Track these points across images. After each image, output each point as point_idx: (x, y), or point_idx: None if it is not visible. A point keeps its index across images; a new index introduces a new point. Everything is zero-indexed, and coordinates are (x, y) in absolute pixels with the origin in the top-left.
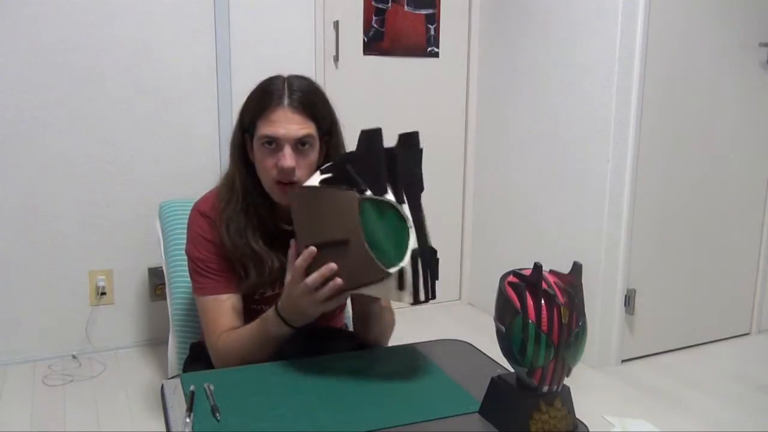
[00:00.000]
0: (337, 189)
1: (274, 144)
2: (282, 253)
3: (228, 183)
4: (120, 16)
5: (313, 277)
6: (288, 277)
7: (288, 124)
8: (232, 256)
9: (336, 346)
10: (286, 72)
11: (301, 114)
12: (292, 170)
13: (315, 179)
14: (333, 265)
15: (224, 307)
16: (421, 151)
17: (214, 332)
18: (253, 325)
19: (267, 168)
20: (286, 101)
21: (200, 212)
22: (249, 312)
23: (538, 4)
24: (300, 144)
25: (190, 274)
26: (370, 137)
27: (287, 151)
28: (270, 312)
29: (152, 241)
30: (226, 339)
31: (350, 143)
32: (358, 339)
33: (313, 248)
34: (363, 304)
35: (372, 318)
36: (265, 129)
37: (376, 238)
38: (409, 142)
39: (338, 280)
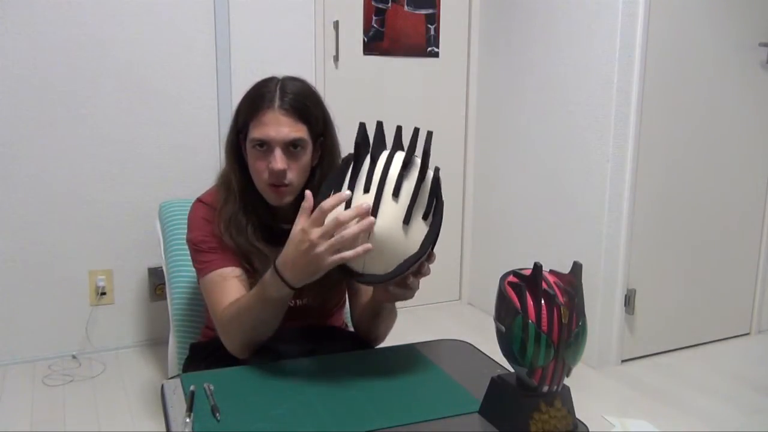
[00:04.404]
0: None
1: (265, 146)
2: None
3: (225, 183)
4: (120, 16)
5: (348, 213)
6: (297, 227)
7: (279, 126)
8: (237, 253)
9: (336, 345)
10: (285, 72)
11: (292, 116)
12: (283, 173)
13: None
14: (369, 203)
15: (229, 282)
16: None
17: (219, 307)
18: (252, 293)
19: (259, 170)
20: (277, 103)
21: (202, 201)
22: None
23: (538, 4)
24: (291, 146)
25: (192, 259)
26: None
27: (278, 153)
28: (267, 274)
29: (152, 241)
30: (228, 311)
31: (347, 144)
32: (359, 334)
33: (347, 192)
34: (379, 301)
35: (384, 315)
36: (255, 132)
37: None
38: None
39: (368, 245)
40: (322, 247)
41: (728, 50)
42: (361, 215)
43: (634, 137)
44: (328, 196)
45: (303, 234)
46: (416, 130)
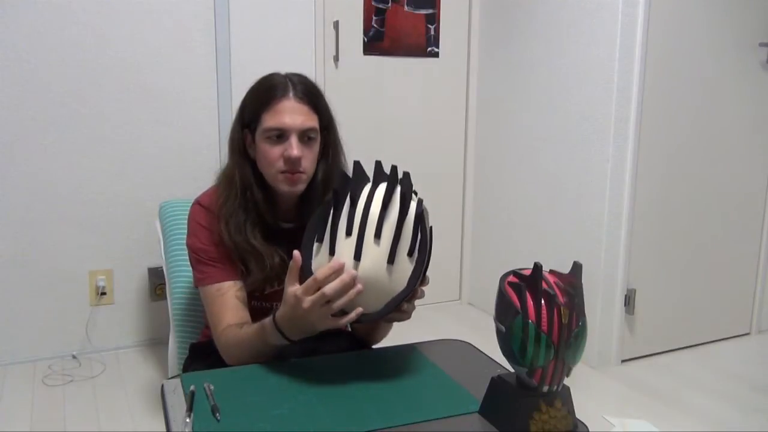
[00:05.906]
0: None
1: (280, 135)
2: (282, 249)
3: (227, 179)
4: (120, 16)
5: (333, 286)
6: (290, 289)
7: (294, 114)
8: (233, 252)
9: (335, 345)
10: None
11: (306, 105)
12: (299, 160)
13: None
14: (354, 272)
15: (228, 297)
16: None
17: (219, 324)
18: (253, 330)
19: (272, 159)
20: (291, 92)
21: (200, 204)
22: (250, 309)
23: (538, 5)
24: (305, 136)
25: (191, 265)
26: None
27: (294, 140)
28: (267, 322)
29: (152, 241)
30: (228, 335)
31: (347, 142)
32: (356, 335)
33: (338, 262)
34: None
35: (381, 325)
36: (271, 120)
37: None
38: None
39: (359, 309)
40: (314, 316)
41: (728, 50)
42: (347, 285)
43: (634, 137)
44: (313, 240)
45: (296, 301)
46: (394, 168)
